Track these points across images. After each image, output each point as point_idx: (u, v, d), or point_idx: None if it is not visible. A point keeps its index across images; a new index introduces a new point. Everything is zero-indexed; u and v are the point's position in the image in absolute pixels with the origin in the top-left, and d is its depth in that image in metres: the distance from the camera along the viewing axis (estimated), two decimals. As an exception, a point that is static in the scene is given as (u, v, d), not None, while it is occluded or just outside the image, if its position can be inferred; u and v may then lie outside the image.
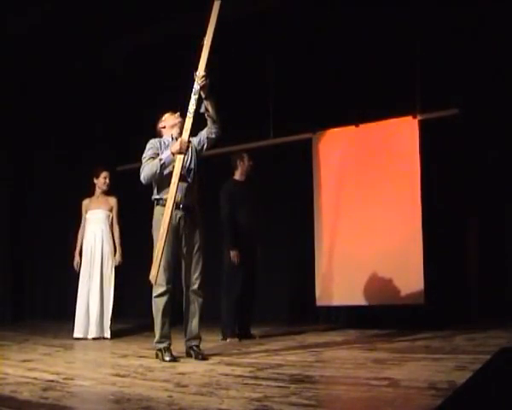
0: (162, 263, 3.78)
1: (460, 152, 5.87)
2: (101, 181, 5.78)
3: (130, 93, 7.92)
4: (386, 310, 6.09)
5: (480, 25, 5.71)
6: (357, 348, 4.32)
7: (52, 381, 3.10)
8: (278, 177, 6.85)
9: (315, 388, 2.82)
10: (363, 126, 6.31)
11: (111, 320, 5.59)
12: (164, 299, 3.87)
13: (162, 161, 3.90)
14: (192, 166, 4.03)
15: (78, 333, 5.51)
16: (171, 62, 7.15)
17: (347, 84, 6.44)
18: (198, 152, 4.11)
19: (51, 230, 7.92)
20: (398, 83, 6.09)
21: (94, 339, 5.45)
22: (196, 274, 3.97)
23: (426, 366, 3.38)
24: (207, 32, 3.87)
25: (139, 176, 4.01)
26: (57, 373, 3.37)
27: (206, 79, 3.83)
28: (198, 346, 3.98)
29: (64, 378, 3.18)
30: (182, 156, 3.85)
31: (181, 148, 3.85)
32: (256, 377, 3.09)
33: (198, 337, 3.99)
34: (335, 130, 6.54)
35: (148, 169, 3.96)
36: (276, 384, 2.86)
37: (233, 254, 5.15)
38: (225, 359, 3.89)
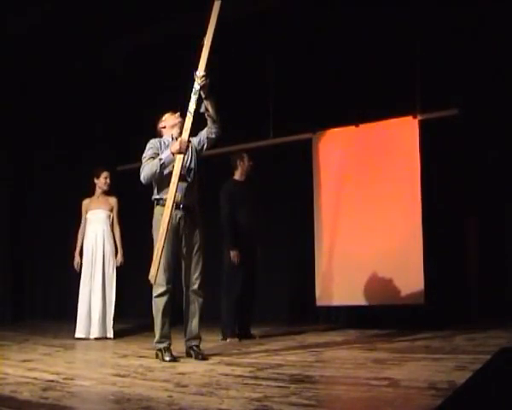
0: (162, 263, 3.78)
1: (460, 152, 5.87)
2: (102, 181, 5.78)
3: (130, 93, 7.92)
4: (386, 310, 6.09)
5: (480, 25, 5.70)
6: (357, 348, 4.32)
7: (52, 381, 3.10)
8: (278, 177, 6.85)
9: (315, 388, 2.82)
10: (363, 126, 6.30)
11: (113, 320, 5.60)
12: (164, 299, 3.87)
13: (162, 161, 3.90)
14: (192, 165, 4.03)
15: (79, 333, 5.51)
16: (171, 62, 7.15)
17: (347, 84, 6.44)
18: (198, 152, 4.11)
19: (51, 230, 7.92)
20: (398, 83, 6.09)
21: (96, 339, 5.45)
22: (196, 274, 3.97)
23: (426, 366, 3.38)
24: (207, 32, 3.87)
25: (139, 176, 4.01)
26: (57, 373, 3.37)
27: (206, 79, 3.84)
28: (198, 346, 3.98)
29: (64, 378, 3.18)
30: (181, 156, 3.85)
31: (181, 147, 3.85)
32: (256, 377, 3.09)
33: (198, 337, 3.99)
34: (335, 130, 6.54)
35: (147, 169, 3.96)
36: (276, 384, 2.86)
37: (233, 254, 5.15)
38: (225, 359, 3.90)
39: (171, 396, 2.62)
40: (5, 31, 7.05)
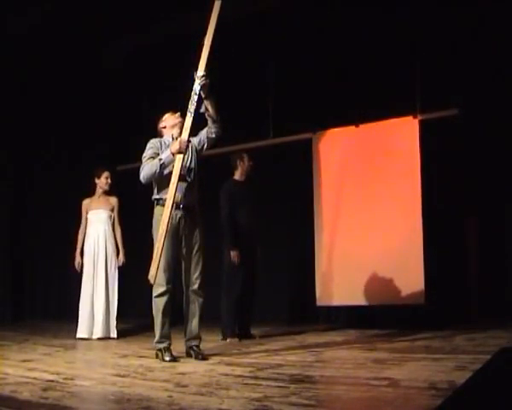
0: (162, 263, 3.78)
1: (460, 152, 5.87)
2: (103, 181, 5.78)
3: (130, 93, 7.92)
4: (386, 310, 6.09)
5: (480, 25, 5.70)
6: (357, 348, 4.33)
7: (52, 381, 3.10)
8: (278, 177, 6.85)
9: (315, 388, 2.82)
10: (363, 126, 6.30)
11: (116, 320, 5.61)
12: (164, 299, 3.87)
13: (162, 161, 3.90)
14: (192, 165, 4.03)
15: (82, 333, 5.50)
16: (171, 62, 7.15)
17: (347, 84, 6.44)
18: (198, 152, 4.11)
19: (51, 230, 7.92)
20: (398, 83, 6.09)
21: (99, 339, 5.45)
22: (196, 274, 3.97)
23: (426, 366, 3.38)
24: (207, 31, 3.87)
25: (139, 176, 4.01)
26: (57, 373, 3.37)
27: (206, 79, 3.84)
28: (198, 346, 3.98)
29: (64, 378, 3.18)
30: (181, 156, 3.85)
31: (180, 147, 3.85)
32: (256, 377, 3.09)
33: (198, 337, 4.00)
34: (335, 130, 6.54)
35: (147, 169, 3.96)
36: (276, 384, 2.86)
37: (233, 254, 5.15)
38: (225, 359, 3.90)
39: (171, 396, 2.62)
40: (5, 31, 7.04)
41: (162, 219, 3.76)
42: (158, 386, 2.91)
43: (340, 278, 6.23)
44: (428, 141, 5.93)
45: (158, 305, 3.89)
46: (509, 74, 5.58)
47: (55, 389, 2.87)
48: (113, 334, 5.55)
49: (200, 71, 3.85)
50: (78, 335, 5.50)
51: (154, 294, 3.89)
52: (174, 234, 3.89)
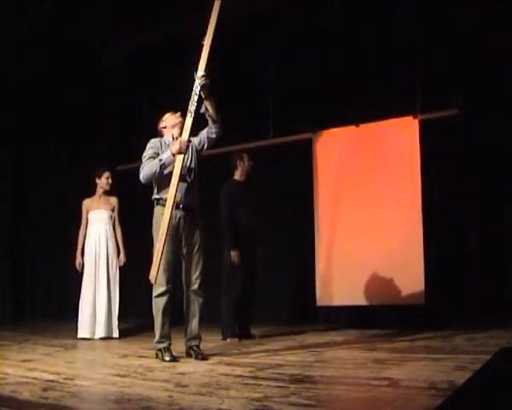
0: (162, 263, 3.78)
1: (460, 152, 5.87)
2: (104, 181, 5.78)
3: (130, 93, 7.92)
4: (386, 310, 6.10)
5: (480, 25, 5.70)
6: (357, 348, 4.33)
7: (52, 381, 3.11)
8: (278, 177, 6.85)
9: (315, 388, 2.82)
10: (363, 126, 6.30)
11: (118, 320, 5.61)
12: (164, 299, 3.87)
13: (162, 162, 3.90)
14: (192, 165, 4.03)
15: (84, 333, 5.51)
16: (171, 62, 7.15)
17: (347, 84, 6.44)
18: (198, 152, 4.11)
19: (51, 230, 7.92)
20: (398, 83, 6.09)
21: (101, 339, 5.46)
22: (196, 274, 3.97)
23: (426, 366, 3.38)
24: (207, 32, 3.87)
25: (139, 175, 4.01)
26: (57, 373, 3.37)
27: (206, 79, 3.84)
28: (198, 346, 3.98)
29: (64, 378, 3.18)
30: (182, 156, 3.85)
31: (180, 147, 3.85)
32: (256, 377, 3.09)
33: (198, 337, 4.00)
34: (335, 130, 6.54)
35: (147, 169, 3.96)
36: (276, 384, 2.86)
37: (233, 254, 5.15)
38: (225, 359, 3.90)
39: (171, 396, 2.62)
40: (5, 31, 7.05)
41: (163, 219, 3.75)
42: (158, 386, 2.92)
43: (340, 278, 6.23)
44: (428, 141, 5.93)
45: (158, 305, 3.89)
46: (509, 74, 5.58)
47: (55, 389, 2.87)
48: (115, 334, 5.56)
49: (200, 71, 3.85)
50: (80, 335, 5.51)
51: (154, 294, 3.89)
52: (174, 234, 3.89)
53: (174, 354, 3.88)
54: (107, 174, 5.81)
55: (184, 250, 3.97)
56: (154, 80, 7.61)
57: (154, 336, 3.93)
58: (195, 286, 3.97)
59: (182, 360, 3.87)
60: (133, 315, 6.94)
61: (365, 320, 6.14)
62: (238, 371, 3.33)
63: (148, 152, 4.04)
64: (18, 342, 5.19)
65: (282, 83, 6.87)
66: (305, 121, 6.64)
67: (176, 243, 3.92)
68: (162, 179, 3.95)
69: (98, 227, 5.73)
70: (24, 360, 3.97)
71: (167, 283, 3.86)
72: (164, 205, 3.88)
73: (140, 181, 4.03)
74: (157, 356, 3.92)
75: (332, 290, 6.31)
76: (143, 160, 4.03)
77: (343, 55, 6.45)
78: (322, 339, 5.02)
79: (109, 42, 7.65)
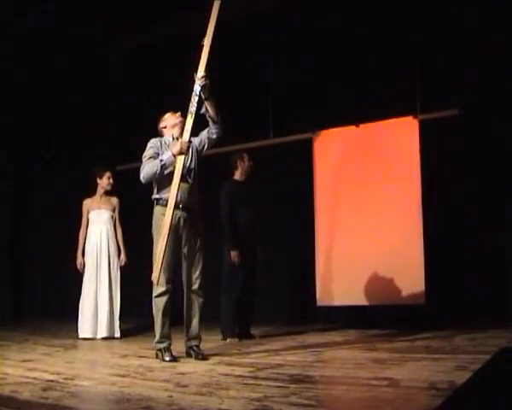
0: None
1: (460, 152, 5.87)
2: (105, 181, 5.78)
3: (130, 93, 7.92)
4: (387, 310, 6.10)
5: (480, 25, 5.70)
6: (358, 348, 4.33)
7: (52, 381, 3.11)
8: (278, 177, 6.84)
9: (315, 388, 2.82)
10: (363, 126, 6.30)
11: (119, 320, 5.62)
12: (164, 299, 3.87)
13: (163, 162, 3.90)
14: (192, 166, 4.04)
15: (86, 333, 5.51)
16: (171, 62, 7.15)
17: (347, 84, 6.44)
18: (199, 152, 4.12)
19: (51, 230, 7.92)
20: (398, 83, 6.09)
21: (104, 339, 5.47)
22: (196, 274, 3.97)
23: (426, 366, 3.38)
24: (207, 32, 3.87)
25: (139, 175, 4.02)
26: (57, 373, 3.37)
27: (206, 80, 3.84)
28: (198, 346, 3.98)
29: (64, 378, 3.18)
30: (183, 157, 3.86)
31: (181, 148, 3.86)
32: (256, 377, 3.09)
33: (198, 337, 4.00)
34: (335, 130, 6.54)
35: (148, 169, 3.96)
36: (276, 384, 2.86)
37: (233, 254, 5.15)
38: (225, 359, 3.90)
39: (171, 396, 2.62)
40: (5, 31, 7.05)
41: (164, 220, 3.75)
42: (158, 386, 2.92)
43: (341, 278, 6.23)
44: (428, 141, 5.93)
45: (158, 305, 3.89)
46: (509, 74, 5.58)
47: (55, 389, 2.87)
48: (117, 334, 5.57)
49: (201, 72, 3.85)
50: (82, 335, 5.51)
51: (154, 294, 3.90)
52: (174, 234, 3.88)
53: (174, 354, 3.88)
54: (108, 174, 5.81)
55: (184, 250, 3.97)
56: (154, 80, 7.61)
57: (154, 336, 3.94)
58: (195, 286, 3.97)
59: (182, 360, 3.87)
60: (133, 315, 6.94)
61: (365, 320, 6.14)
62: (238, 371, 3.33)
63: (148, 152, 4.04)
64: (18, 342, 5.19)
65: (282, 83, 6.86)
66: (305, 121, 6.64)
67: (176, 243, 3.92)
68: (162, 179, 3.95)
69: (99, 227, 5.73)
70: (24, 360, 3.97)
71: (167, 283, 3.86)
72: (164, 205, 3.89)
73: (140, 181, 4.03)
74: (157, 356, 3.92)
75: (332, 290, 6.31)
76: (143, 160, 4.03)
77: (343, 55, 6.45)
78: (322, 339, 5.01)
79: (109, 42, 7.65)
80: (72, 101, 7.86)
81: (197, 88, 3.84)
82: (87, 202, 5.82)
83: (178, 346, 4.05)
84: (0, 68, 7.29)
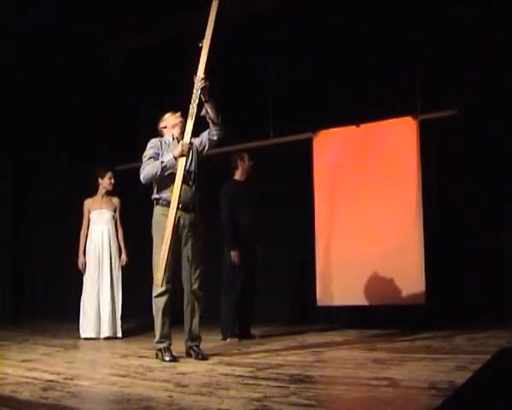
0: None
1: (460, 152, 5.87)
2: (107, 181, 5.79)
3: (130, 93, 7.91)
4: (387, 310, 6.09)
5: (480, 25, 5.70)
6: (358, 348, 4.33)
7: (52, 381, 3.11)
8: (278, 177, 6.84)
9: (315, 388, 2.82)
10: (363, 126, 6.30)
11: (121, 320, 5.63)
12: (164, 299, 3.87)
13: (164, 164, 3.91)
14: (192, 167, 4.04)
15: (89, 333, 5.52)
16: (171, 62, 7.15)
17: (347, 84, 6.44)
18: (199, 153, 4.12)
19: (51, 230, 7.92)
20: (398, 83, 6.09)
21: (106, 338, 5.48)
22: (196, 274, 3.97)
23: (426, 366, 3.38)
24: (206, 33, 3.86)
25: (139, 175, 4.02)
26: (57, 373, 3.37)
27: (205, 82, 3.84)
28: (198, 346, 3.98)
29: (64, 378, 3.18)
30: (184, 159, 3.86)
31: (183, 150, 3.86)
32: (256, 377, 3.09)
33: (198, 337, 4.00)
34: (336, 130, 6.54)
35: (148, 170, 3.96)
36: (276, 384, 2.86)
37: (233, 254, 5.15)
38: (225, 359, 3.90)
39: (171, 396, 2.62)
40: (5, 31, 7.05)
41: (167, 221, 3.75)
42: (158, 386, 2.92)
43: (341, 278, 6.23)
44: (428, 141, 5.93)
45: (158, 305, 3.89)
46: (509, 74, 5.58)
47: (55, 389, 2.87)
48: (119, 333, 5.59)
49: (200, 74, 3.85)
50: (85, 335, 5.52)
51: (154, 294, 3.90)
52: (174, 234, 3.88)
53: (174, 354, 3.88)
54: (109, 174, 5.81)
55: (184, 250, 3.97)
56: (154, 80, 7.61)
57: (154, 336, 3.94)
58: (195, 286, 3.97)
59: (182, 360, 3.87)
60: (133, 315, 6.94)
61: (365, 320, 6.14)
62: (238, 371, 3.33)
63: (148, 152, 4.04)
64: (18, 342, 5.19)
65: (282, 83, 6.86)
66: (305, 121, 6.64)
67: (176, 243, 3.91)
68: (162, 179, 3.96)
69: (100, 227, 5.73)
70: (24, 360, 3.97)
71: (167, 282, 3.85)
72: (164, 205, 3.90)
73: (140, 181, 4.03)
74: (157, 356, 3.92)
75: (332, 290, 6.31)
76: (144, 160, 4.03)
77: (343, 55, 6.45)
78: (322, 339, 5.02)
79: (109, 42, 7.65)
80: (72, 101, 7.86)
81: (197, 90, 3.84)
82: (88, 202, 5.83)
83: (178, 346, 4.05)
84: (0, 68, 7.29)
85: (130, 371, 3.42)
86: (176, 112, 4.17)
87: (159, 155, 4.01)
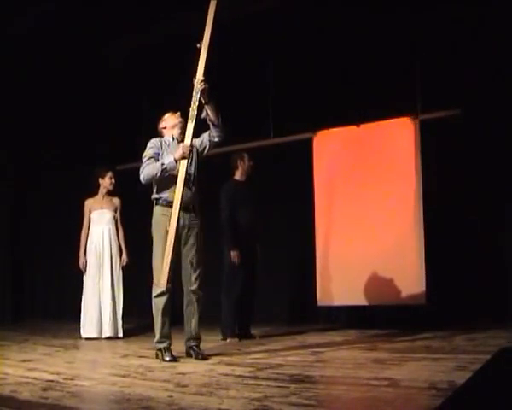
0: (161, 263, 3.80)
1: (460, 152, 5.87)
2: (108, 181, 5.79)
3: (130, 93, 7.91)
4: (387, 310, 6.09)
5: (480, 25, 5.70)
6: (358, 348, 4.33)
7: (52, 381, 3.11)
8: (278, 177, 6.84)
9: (315, 388, 2.83)
10: (363, 126, 6.30)
11: (122, 320, 5.63)
12: (163, 299, 3.87)
13: (164, 166, 3.91)
14: (193, 169, 4.04)
15: (90, 333, 5.52)
16: (171, 62, 7.15)
17: (347, 84, 6.44)
18: (199, 153, 4.12)
19: (51, 230, 7.92)
20: (398, 83, 6.09)
21: (108, 338, 5.48)
22: (196, 274, 3.97)
23: (426, 366, 3.38)
24: (204, 34, 3.85)
25: (139, 175, 4.02)
26: (57, 373, 3.37)
27: (204, 84, 3.84)
28: (198, 346, 3.98)
29: (64, 378, 3.18)
30: (185, 161, 3.86)
31: (184, 153, 3.86)
32: (256, 377, 3.09)
33: (198, 337, 4.00)
34: (336, 130, 6.54)
35: (148, 170, 3.96)
36: (276, 384, 2.86)
37: (233, 254, 5.15)
38: (225, 359, 3.90)
39: (171, 396, 2.62)
40: (5, 31, 7.05)
41: (170, 225, 3.75)
42: (158, 386, 2.92)
43: (341, 278, 6.23)
44: (428, 141, 5.93)
45: (157, 305, 3.89)
46: (509, 74, 5.58)
47: (55, 389, 2.87)
48: (120, 333, 5.59)
49: (199, 76, 3.85)
50: (86, 335, 5.52)
51: (154, 294, 3.90)
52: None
53: (174, 354, 3.88)
54: (110, 174, 5.82)
55: (184, 250, 3.97)
56: (154, 80, 7.61)
57: (154, 336, 3.94)
58: (195, 286, 3.97)
59: (182, 360, 3.87)
60: (133, 315, 6.94)
61: (365, 320, 6.14)
62: (238, 371, 3.34)
63: (148, 152, 4.04)
64: (18, 342, 5.19)
65: (282, 83, 6.86)
66: (305, 121, 6.64)
67: (176, 243, 3.91)
68: (162, 179, 3.96)
69: (101, 227, 5.74)
70: (24, 360, 3.97)
71: (167, 282, 3.85)
72: (163, 205, 3.92)
73: (140, 181, 4.03)
74: (157, 356, 3.92)
75: (332, 290, 6.31)
76: (143, 160, 4.04)
77: (343, 55, 6.44)
78: (322, 339, 5.02)
79: (109, 42, 7.64)
80: (72, 101, 7.86)
81: (197, 93, 3.84)
82: (89, 202, 5.83)
83: (178, 346, 4.05)
84: (0, 68, 7.29)
85: (130, 371, 3.42)
86: (175, 112, 4.17)
87: (159, 155, 4.01)
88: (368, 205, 6.14)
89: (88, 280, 5.67)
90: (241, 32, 6.75)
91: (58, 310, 7.82)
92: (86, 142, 8.01)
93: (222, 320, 5.25)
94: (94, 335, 5.50)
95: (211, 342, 4.80)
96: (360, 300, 6.09)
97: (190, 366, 3.60)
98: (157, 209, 3.99)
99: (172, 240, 3.71)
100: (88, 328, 5.54)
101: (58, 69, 7.63)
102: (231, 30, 6.23)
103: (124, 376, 3.28)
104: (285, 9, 6.63)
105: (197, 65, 3.86)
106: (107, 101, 8.04)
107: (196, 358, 3.88)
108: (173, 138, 4.10)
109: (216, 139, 4.07)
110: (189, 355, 3.96)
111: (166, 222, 3.87)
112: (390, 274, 5.92)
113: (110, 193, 5.85)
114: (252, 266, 5.30)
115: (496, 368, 3.19)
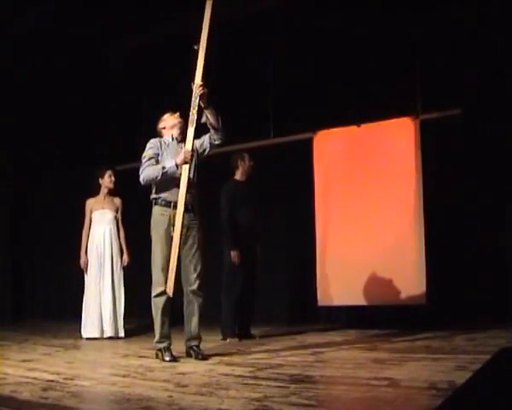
0: (161, 263, 3.84)
1: (460, 152, 5.87)
2: (107, 180, 5.80)
3: (130, 93, 7.91)
4: (387, 310, 6.09)
5: (480, 25, 5.70)
6: (358, 348, 4.33)
7: (52, 381, 3.11)
8: (278, 177, 6.84)
9: (315, 388, 2.83)
10: (363, 126, 6.31)
11: (123, 319, 5.63)
12: (163, 299, 3.87)
13: (165, 170, 3.91)
14: (193, 168, 4.03)
15: (91, 333, 5.52)
16: (171, 62, 7.14)
17: (347, 84, 6.44)
18: (199, 155, 4.13)
19: (51, 230, 7.93)
20: (398, 83, 6.09)
21: (109, 338, 5.49)
22: (196, 274, 3.97)
23: (426, 366, 3.38)
24: (201, 35, 3.85)
25: (139, 176, 4.02)
26: (57, 373, 3.37)
27: (203, 89, 3.84)
28: (198, 346, 3.98)
29: (64, 378, 3.18)
30: (187, 166, 3.86)
31: (185, 158, 3.87)
32: (256, 377, 3.09)
33: (198, 337, 4.00)
34: (336, 130, 6.54)
35: (148, 172, 3.97)
36: (276, 384, 2.86)
37: (234, 254, 5.15)
38: (225, 359, 3.90)
39: (171, 396, 2.62)
40: (5, 31, 7.05)
41: (175, 227, 3.76)
42: (158, 386, 2.92)
43: (341, 278, 6.23)
44: (428, 141, 5.93)
45: (157, 305, 3.89)
46: (509, 74, 5.58)
47: (55, 389, 2.87)
48: (121, 333, 5.59)
49: (198, 80, 3.84)
50: (87, 335, 5.52)
51: (153, 294, 3.90)
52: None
53: (174, 354, 3.88)
54: (109, 173, 5.83)
55: (184, 250, 3.97)
56: (154, 80, 7.61)
57: (154, 336, 3.94)
58: (195, 286, 3.97)
59: (182, 360, 3.87)
60: (133, 315, 6.94)
61: (365, 320, 6.14)
62: (238, 371, 3.34)
63: (148, 152, 4.04)
64: (18, 342, 5.19)
65: (282, 83, 6.86)
66: (305, 121, 6.64)
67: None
68: (161, 180, 3.96)
69: (102, 227, 5.74)
70: (24, 360, 3.97)
71: (167, 282, 3.86)
72: (162, 205, 3.93)
73: (139, 181, 4.03)
74: (157, 356, 3.92)
75: (332, 290, 6.31)
76: (143, 160, 4.04)
77: (343, 55, 6.44)
78: (322, 339, 5.02)
79: (109, 42, 7.64)
80: (72, 101, 7.86)
81: (196, 97, 3.83)
82: (90, 202, 5.83)
83: (178, 346, 4.05)
84: (0, 68, 7.29)
85: (130, 371, 3.42)
86: (174, 112, 4.18)
87: (158, 155, 4.02)
88: (368, 205, 6.14)
89: (89, 280, 5.68)
90: (241, 32, 6.74)
91: (58, 310, 7.83)
92: (86, 142, 8.01)
93: (222, 320, 5.25)
94: (95, 335, 5.51)
95: (211, 342, 4.81)
96: (360, 300, 6.09)
97: (190, 366, 3.60)
98: (156, 209, 3.99)
99: (177, 245, 3.71)
100: (89, 328, 5.55)
101: (58, 69, 7.63)
102: (231, 30, 6.23)
103: (124, 376, 3.28)
104: (285, 9, 6.63)
105: (195, 68, 3.85)
106: (107, 101, 8.04)
107: (196, 358, 3.88)
108: (173, 138, 4.10)
109: (216, 142, 4.08)
110: (189, 355, 3.96)
111: (165, 222, 3.88)
112: (390, 274, 5.92)
113: (111, 193, 5.85)
114: (252, 266, 5.30)
115: (496, 368, 3.19)
